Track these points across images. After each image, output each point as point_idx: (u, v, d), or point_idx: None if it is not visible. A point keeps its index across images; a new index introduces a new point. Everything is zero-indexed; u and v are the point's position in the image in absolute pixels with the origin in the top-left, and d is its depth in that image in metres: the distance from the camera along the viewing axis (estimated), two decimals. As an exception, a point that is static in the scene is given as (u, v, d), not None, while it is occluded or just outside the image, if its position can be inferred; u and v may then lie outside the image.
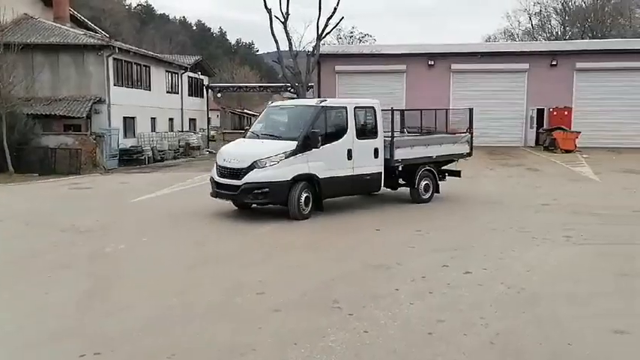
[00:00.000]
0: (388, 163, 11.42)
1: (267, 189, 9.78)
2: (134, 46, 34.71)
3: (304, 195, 10.06)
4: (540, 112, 27.02)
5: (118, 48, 28.11)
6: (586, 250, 7.99)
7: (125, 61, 29.44)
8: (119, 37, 42.86)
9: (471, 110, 13.22)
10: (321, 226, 9.82)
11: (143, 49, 33.60)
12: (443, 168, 12.82)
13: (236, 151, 10.60)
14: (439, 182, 12.42)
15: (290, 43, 28.38)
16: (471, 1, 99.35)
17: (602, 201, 12.53)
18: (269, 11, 27.70)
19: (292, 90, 30.02)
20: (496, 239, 8.73)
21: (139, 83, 31.27)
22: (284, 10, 28.17)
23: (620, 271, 6.82)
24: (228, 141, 24.15)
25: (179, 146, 32.67)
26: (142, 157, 27.94)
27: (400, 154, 11.56)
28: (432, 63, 27.65)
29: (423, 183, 12.04)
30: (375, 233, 9.18)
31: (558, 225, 9.69)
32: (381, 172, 11.32)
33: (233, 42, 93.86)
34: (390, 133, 11.46)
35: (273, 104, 12.38)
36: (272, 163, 9.86)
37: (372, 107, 11.32)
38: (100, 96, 27.13)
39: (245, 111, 33.84)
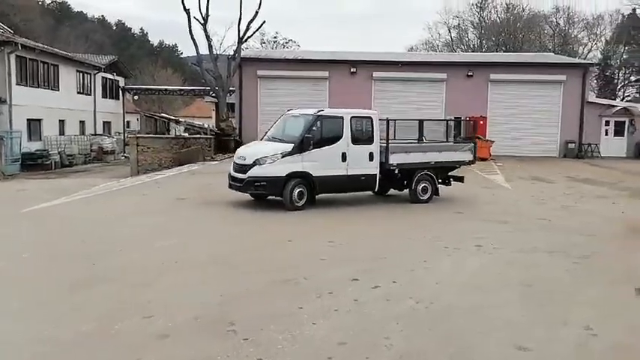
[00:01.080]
0: (384, 167, 12.54)
1: (264, 182, 11.52)
2: (46, 44, 32.48)
3: (297, 190, 11.59)
4: (458, 120, 27.73)
5: (22, 45, 26.13)
6: (495, 260, 7.96)
7: (30, 59, 27.46)
8: (30, 35, 40.11)
9: (474, 121, 14.54)
10: (258, 229, 9.32)
11: (51, 47, 31.44)
12: (449, 174, 13.86)
13: (246, 151, 12.43)
14: (439, 186, 13.43)
15: (210, 46, 27.50)
16: (395, 12, 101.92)
17: (512, 208, 12.80)
18: (187, 12, 26.73)
19: (213, 94, 29.15)
20: (409, 249, 8.57)
21: (46, 83, 29.26)
22: (203, 12, 27.29)
23: (525, 281, 6.79)
24: (144, 146, 23.24)
25: (91, 150, 30.89)
26: (48, 162, 26.12)
27: (395, 158, 12.65)
28: (354, 70, 27.74)
29: (421, 186, 13.06)
30: (288, 244, 8.76)
31: (470, 233, 9.71)
32: (375, 174, 12.50)
33: (156, 43, 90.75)
34: (407, 140, 13.60)
35: (286, 113, 13.43)
36: (270, 161, 11.52)
37: (370, 117, 12.59)
38: (0, 96, 25.09)
39: (163, 115, 32.40)
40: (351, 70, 27.68)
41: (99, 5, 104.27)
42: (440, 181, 13.55)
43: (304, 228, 10.21)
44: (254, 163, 11.63)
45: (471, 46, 60.57)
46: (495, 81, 27.52)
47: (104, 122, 37.25)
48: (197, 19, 27.47)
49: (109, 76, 37.72)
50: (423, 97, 27.51)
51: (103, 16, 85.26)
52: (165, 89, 40.46)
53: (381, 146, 12.53)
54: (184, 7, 26.75)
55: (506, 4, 58.81)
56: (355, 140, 12.19)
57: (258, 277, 6.83)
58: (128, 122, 44.47)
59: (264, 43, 51.02)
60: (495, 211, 12.30)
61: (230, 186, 12.35)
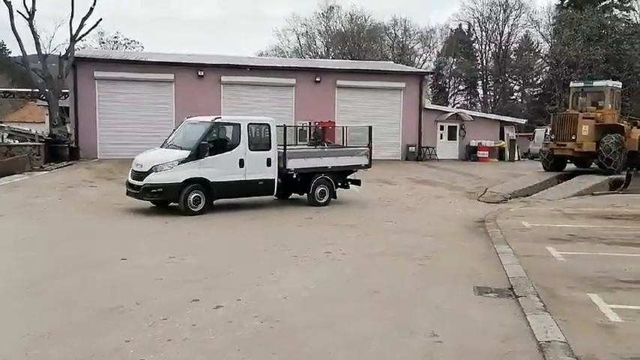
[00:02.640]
0: (282, 172, 12.93)
1: (161, 189, 11.65)
2: None
3: (194, 195, 11.74)
4: (308, 125, 28.08)
5: None
6: (344, 266, 7.80)
7: None
8: None
9: (370, 128, 15.05)
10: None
11: None
12: (347, 177, 14.45)
13: (144, 158, 12.45)
14: (336, 189, 13.92)
15: (38, 44, 24.66)
16: (244, 18, 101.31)
17: (360, 211, 13.04)
18: (8, 4, 23.68)
19: (43, 97, 26.16)
20: (256, 261, 8.09)
21: None
22: (29, 6, 24.40)
23: (373, 288, 6.67)
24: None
25: None
26: None
27: (293, 164, 13.10)
28: (202, 74, 26.71)
29: (319, 189, 13.51)
30: (121, 263, 7.78)
31: (319, 239, 9.54)
32: (274, 179, 12.83)
33: (-24, 39, 79.92)
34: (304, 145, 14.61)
35: (185, 120, 13.66)
36: (167, 168, 11.69)
37: (267, 124, 12.93)
38: None
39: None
40: (199, 73, 26.61)
41: None
42: (339, 184, 14.12)
43: (149, 241, 9.24)
44: (151, 170, 11.73)
45: (319, 53, 62.45)
46: (342, 87, 28.31)
47: None
48: (21, 13, 24.50)
49: None
50: (274, 102, 27.34)
51: None
52: (-15, 91, 35.68)
53: (279, 152, 12.87)
54: (4, -2, 23.67)
55: (350, 14, 61.69)
56: (253, 146, 12.50)
57: (77, 306, 5.85)
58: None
59: (103, 43, 47.50)
60: (344, 215, 12.39)
61: (127, 193, 12.35)
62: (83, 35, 26.10)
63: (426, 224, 11.36)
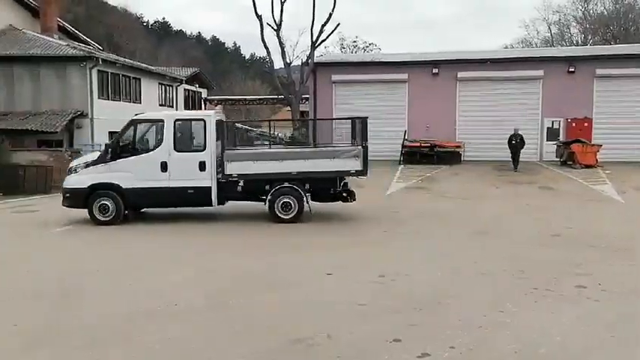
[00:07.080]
0: (222, 178, 10.91)
1: (69, 194, 10.90)
2: (150, 63, 33.19)
3: (101, 202, 10.69)
4: (558, 123, 24.59)
5: (102, 59, 26.49)
6: (602, 311, 5.69)
7: (112, 73, 27.85)
8: (134, 53, 41.48)
9: (364, 119, 11.22)
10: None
11: (131, 61, 32.03)
12: (344, 186, 11.25)
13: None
14: (309, 202, 11.03)
15: (283, 51, 26.55)
16: (488, 13, 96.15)
17: (627, 229, 10.17)
18: (259, 18, 25.91)
19: (286, 101, 28.14)
20: (483, 289, 6.48)
21: (128, 96, 29.62)
22: (277, 18, 26.35)
23: (654, 355, 4.55)
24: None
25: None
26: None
27: (235, 168, 10.87)
28: (437, 71, 25.39)
29: (282, 201, 10.84)
30: (326, 279, 6.99)
31: (569, 266, 7.44)
32: (209, 187, 10.85)
33: (247, 56, 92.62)
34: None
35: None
36: (76, 172, 10.99)
37: (202, 120, 11.04)
38: (82, 109, 25.54)
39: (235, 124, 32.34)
40: (433, 71, 25.35)
41: (196, 23, 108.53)
42: (327, 195, 11.27)
43: (363, 252, 8.38)
44: (69, 172, 11.22)
45: (574, 42, 55.37)
46: (603, 77, 23.94)
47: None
48: (270, 25, 26.64)
49: (191, 87, 38.07)
50: (515, 98, 24.60)
51: (199, 32, 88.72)
52: (245, 99, 40.33)
53: (219, 154, 10.94)
54: (256, 13, 25.99)
55: (616, -6, 53.22)
56: (180, 147, 10.83)
57: (262, 332, 5.12)
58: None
59: (343, 48, 49.50)
60: (604, 233, 9.76)
61: None
62: (322, 41, 27.22)
63: None
